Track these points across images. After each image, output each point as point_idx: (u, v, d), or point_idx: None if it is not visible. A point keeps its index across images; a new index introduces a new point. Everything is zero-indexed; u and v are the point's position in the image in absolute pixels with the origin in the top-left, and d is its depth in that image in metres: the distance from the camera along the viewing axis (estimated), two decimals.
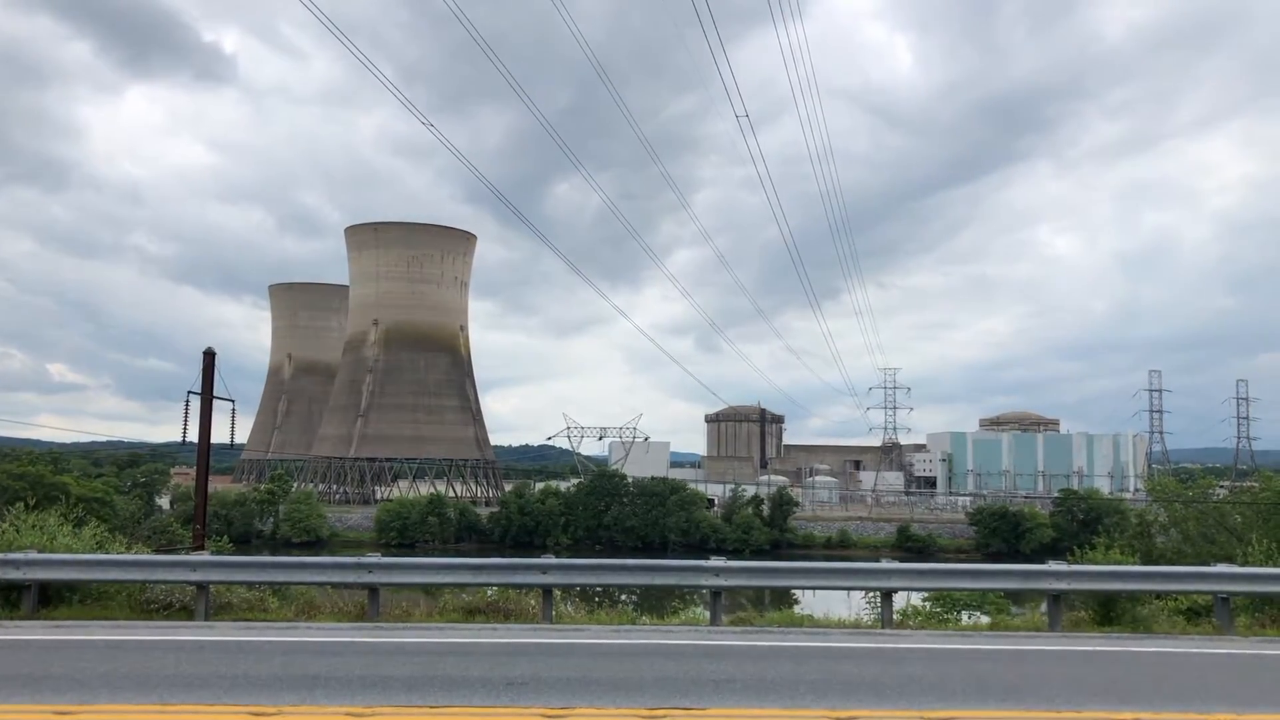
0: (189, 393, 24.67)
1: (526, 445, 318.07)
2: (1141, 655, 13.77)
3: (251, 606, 16.82)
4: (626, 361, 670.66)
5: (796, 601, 38.45)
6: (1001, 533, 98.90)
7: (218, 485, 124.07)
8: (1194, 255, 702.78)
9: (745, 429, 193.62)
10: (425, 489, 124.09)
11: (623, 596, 42.68)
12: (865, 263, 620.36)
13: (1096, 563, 20.52)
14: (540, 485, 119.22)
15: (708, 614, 17.31)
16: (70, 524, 18.64)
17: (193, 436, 24.68)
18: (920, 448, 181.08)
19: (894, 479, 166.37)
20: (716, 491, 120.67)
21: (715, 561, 16.47)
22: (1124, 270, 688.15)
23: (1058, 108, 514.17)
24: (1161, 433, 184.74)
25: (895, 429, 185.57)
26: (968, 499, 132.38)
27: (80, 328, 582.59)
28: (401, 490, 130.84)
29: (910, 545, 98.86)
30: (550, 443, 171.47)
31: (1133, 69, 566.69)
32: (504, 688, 10.43)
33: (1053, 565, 16.71)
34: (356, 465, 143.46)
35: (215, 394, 24.59)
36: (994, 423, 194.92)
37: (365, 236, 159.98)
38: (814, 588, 20.47)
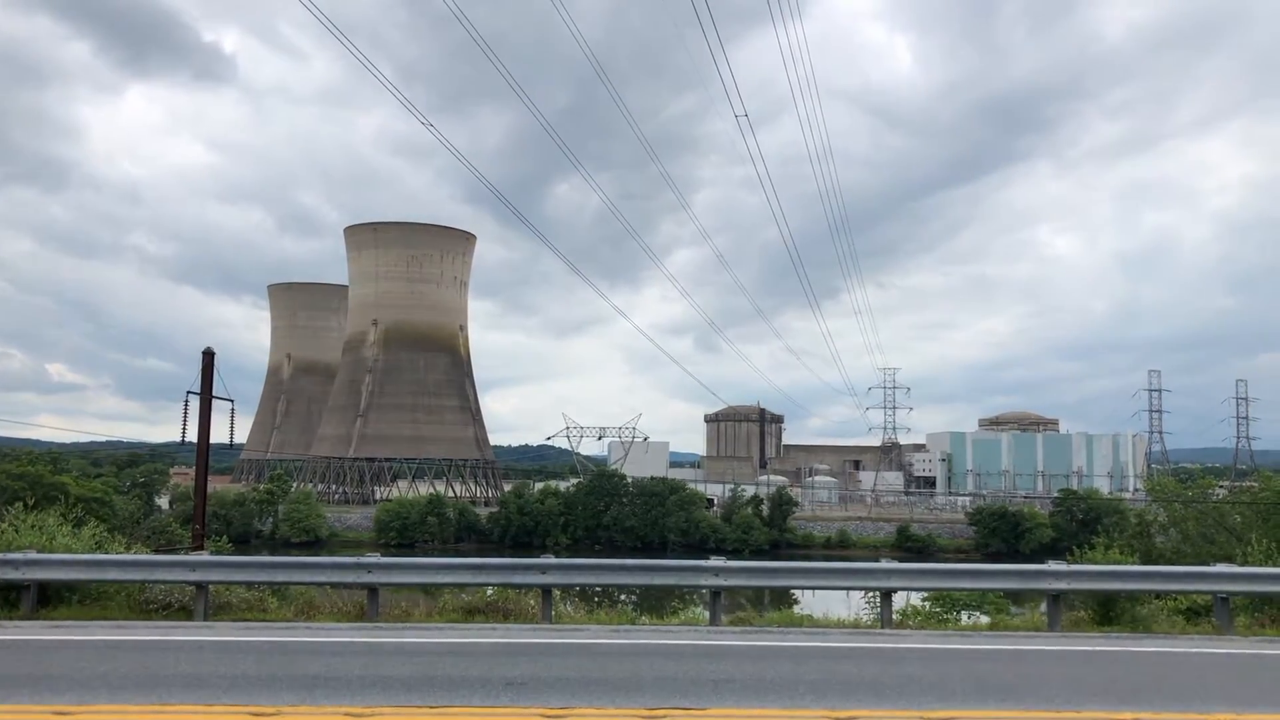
0: (188, 393, 24.69)
1: (526, 445, 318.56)
2: (1141, 655, 13.77)
3: (251, 606, 16.82)
4: (626, 361, 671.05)
5: (796, 601, 38.46)
6: (1001, 533, 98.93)
7: (217, 485, 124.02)
8: (1194, 255, 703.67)
9: (745, 429, 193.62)
10: (425, 489, 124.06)
11: (622, 596, 42.71)
12: (865, 263, 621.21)
13: (1096, 563, 20.53)
14: (540, 485, 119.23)
15: (707, 614, 17.32)
16: (69, 524, 18.63)
17: (192, 436, 24.67)
18: (920, 448, 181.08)
19: (893, 479, 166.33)
20: (716, 491, 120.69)
21: (715, 561, 16.48)
22: (1124, 270, 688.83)
23: (1057, 108, 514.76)
24: (1161, 433, 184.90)
25: (895, 429, 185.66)
26: (967, 499, 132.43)
27: (79, 328, 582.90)
28: (401, 490, 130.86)
29: (910, 545, 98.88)
30: (550, 443, 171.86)
31: (1132, 69, 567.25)
32: (503, 688, 10.42)
33: (1052, 565, 16.72)
34: (356, 465, 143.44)
35: (214, 394, 24.58)
36: (993, 423, 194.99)
37: (364, 236, 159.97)
38: (813, 588, 20.51)
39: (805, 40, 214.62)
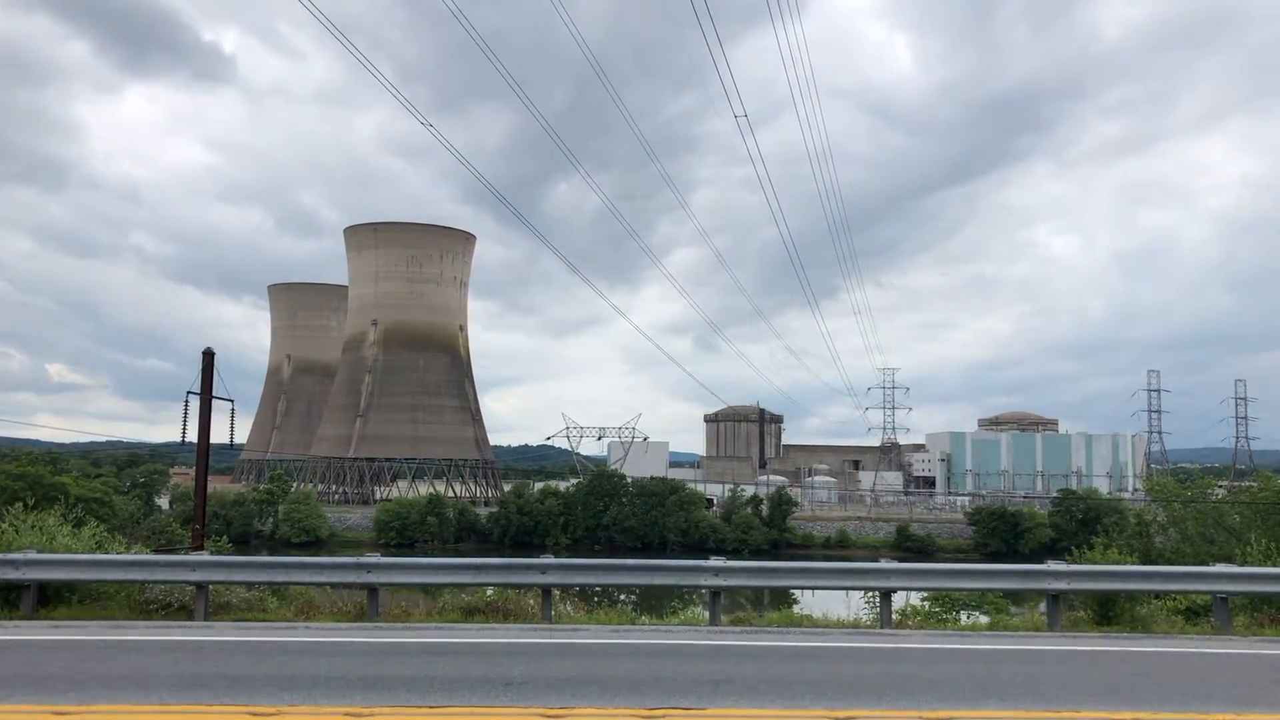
0: (188, 393, 24.69)
1: (526, 445, 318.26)
2: (1140, 655, 13.77)
3: (251, 606, 16.83)
4: (625, 361, 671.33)
5: (796, 601, 38.43)
6: (1000, 533, 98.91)
7: (217, 485, 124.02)
8: (1193, 255, 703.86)
9: (744, 429, 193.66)
10: (424, 489, 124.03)
11: (622, 596, 42.72)
12: (864, 262, 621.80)
13: (1095, 562, 20.53)
14: (539, 485, 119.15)
15: (707, 614, 17.32)
16: (69, 524, 18.63)
17: (192, 436, 24.67)
18: (919, 448, 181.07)
19: (893, 479, 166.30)
20: (715, 491, 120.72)
21: (714, 561, 16.48)
22: (1122, 270, 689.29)
23: (1056, 107, 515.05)
24: (1160, 433, 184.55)
25: (894, 429, 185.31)
26: (966, 499, 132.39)
27: (79, 328, 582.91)
28: (401, 490, 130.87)
29: (909, 545, 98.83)
30: (549, 443, 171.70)
31: (1131, 69, 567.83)
32: (503, 688, 10.43)
33: (1051, 565, 16.72)
34: (356, 465, 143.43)
35: (214, 394, 24.57)
36: (993, 423, 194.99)
37: (364, 236, 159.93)
38: (813, 588, 20.47)
39: (804, 40, 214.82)
